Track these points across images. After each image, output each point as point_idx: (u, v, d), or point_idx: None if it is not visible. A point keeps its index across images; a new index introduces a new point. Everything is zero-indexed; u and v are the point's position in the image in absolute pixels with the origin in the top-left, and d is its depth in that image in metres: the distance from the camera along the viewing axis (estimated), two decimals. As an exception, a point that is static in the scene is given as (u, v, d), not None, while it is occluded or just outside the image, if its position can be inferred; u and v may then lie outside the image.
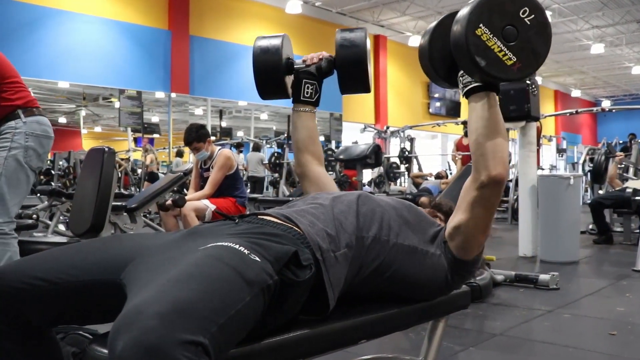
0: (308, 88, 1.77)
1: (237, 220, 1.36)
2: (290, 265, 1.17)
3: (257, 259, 1.12)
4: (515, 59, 1.34)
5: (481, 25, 1.32)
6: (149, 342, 0.87)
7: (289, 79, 1.81)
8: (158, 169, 11.36)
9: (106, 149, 2.97)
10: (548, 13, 9.26)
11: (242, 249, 1.13)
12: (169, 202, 4.38)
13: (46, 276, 1.20)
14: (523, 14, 1.34)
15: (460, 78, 1.46)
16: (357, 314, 1.36)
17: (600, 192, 8.45)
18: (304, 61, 1.78)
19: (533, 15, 1.34)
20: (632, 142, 9.59)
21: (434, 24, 1.55)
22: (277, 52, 1.74)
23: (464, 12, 1.35)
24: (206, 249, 1.13)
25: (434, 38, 1.52)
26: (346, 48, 1.71)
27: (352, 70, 1.72)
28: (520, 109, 5.38)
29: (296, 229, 1.32)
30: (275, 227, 1.30)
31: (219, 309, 0.98)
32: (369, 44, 1.77)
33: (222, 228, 1.32)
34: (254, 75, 1.75)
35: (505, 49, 1.33)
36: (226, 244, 1.14)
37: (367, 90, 1.80)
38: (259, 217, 1.38)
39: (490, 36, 1.32)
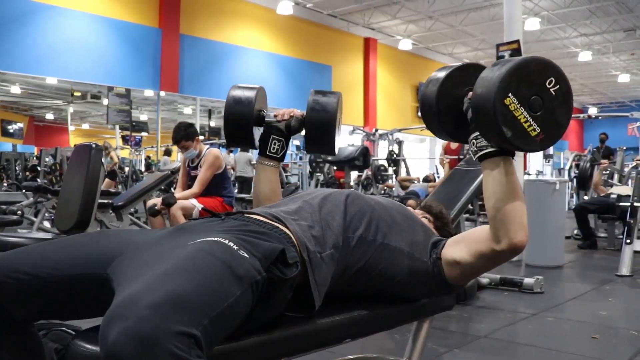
0: (275, 144, 1.79)
1: (223, 218, 1.36)
2: (277, 263, 1.18)
3: (246, 255, 1.13)
4: (539, 130, 1.31)
5: (510, 94, 1.27)
6: (142, 331, 0.87)
7: (259, 130, 1.83)
8: (119, 168, 11.29)
9: (93, 145, 2.96)
10: (537, 20, 9.27)
11: (231, 244, 1.14)
12: (160, 205, 4.36)
13: (31, 270, 1.19)
14: (549, 84, 1.31)
15: (474, 140, 1.41)
16: (342, 314, 1.37)
17: (586, 197, 8.52)
18: (275, 116, 1.80)
19: (558, 86, 1.32)
20: (603, 143, 9.71)
21: (442, 74, 1.47)
22: (250, 104, 1.75)
23: (491, 76, 1.30)
24: (196, 243, 1.13)
25: (443, 92, 1.45)
26: (316, 112, 1.73)
27: (319, 134, 1.74)
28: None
29: (283, 228, 1.32)
30: (261, 226, 1.31)
31: (211, 302, 0.99)
32: (340, 109, 1.79)
33: (209, 225, 1.32)
34: (224, 123, 1.77)
35: (531, 120, 1.30)
36: (216, 239, 1.15)
37: (332, 154, 1.81)
38: (245, 215, 1.39)
39: (518, 106, 1.28)
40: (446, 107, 1.45)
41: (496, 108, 1.27)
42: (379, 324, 1.48)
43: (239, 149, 12.54)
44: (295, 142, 16.22)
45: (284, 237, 1.29)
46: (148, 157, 10.63)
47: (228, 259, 1.09)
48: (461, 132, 1.45)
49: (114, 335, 0.88)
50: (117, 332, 0.88)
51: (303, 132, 1.78)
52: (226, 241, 1.14)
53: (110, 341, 0.88)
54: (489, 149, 1.38)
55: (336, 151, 1.82)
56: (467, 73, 1.45)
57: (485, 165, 1.40)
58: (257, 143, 1.83)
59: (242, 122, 1.76)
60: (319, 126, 1.73)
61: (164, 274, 1.01)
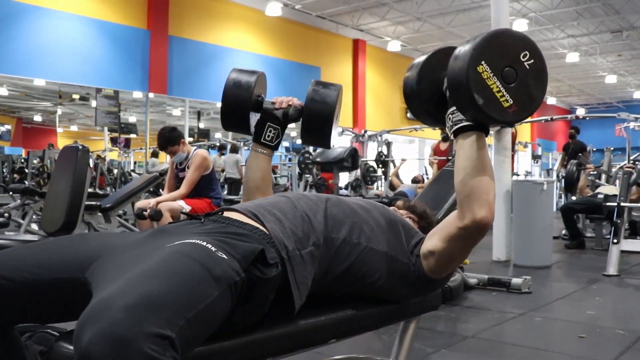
0: (270, 132, 1.78)
1: (203, 220, 1.36)
2: (257, 264, 1.18)
3: (224, 256, 1.13)
4: (511, 102, 1.31)
5: (483, 62, 1.29)
6: (116, 334, 0.87)
7: (255, 116, 1.82)
8: (108, 170, 11.31)
9: (80, 147, 2.94)
10: (524, 21, 9.33)
11: (209, 246, 1.14)
12: (147, 214, 4.35)
13: (10, 275, 1.18)
14: (524, 57, 1.32)
15: (450, 115, 1.41)
16: (327, 314, 1.37)
17: (573, 198, 8.58)
18: (273, 103, 1.79)
19: (532, 60, 1.33)
20: (574, 139, 9.84)
21: (422, 58, 1.50)
22: (249, 89, 1.74)
23: (465, 48, 1.32)
24: (173, 245, 1.13)
25: (423, 72, 1.47)
26: (316, 103, 1.72)
27: (317, 125, 1.74)
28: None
29: (262, 228, 1.32)
30: (240, 227, 1.31)
31: (187, 304, 0.98)
32: (340, 103, 1.78)
33: (188, 227, 1.32)
34: (221, 105, 1.76)
35: (504, 90, 1.30)
36: (193, 240, 1.15)
37: (327, 147, 1.81)
38: (224, 215, 1.38)
39: (491, 75, 1.29)
40: (427, 88, 1.47)
41: (469, 75, 1.28)
42: (365, 324, 1.48)
43: (228, 151, 12.54)
44: (285, 143, 16.21)
45: (264, 238, 1.29)
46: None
47: (205, 260, 1.09)
48: (441, 113, 1.47)
49: (88, 337, 0.87)
50: (91, 334, 0.87)
51: (299, 123, 1.77)
52: (204, 243, 1.14)
53: (84, 343, 0.87)
54: (463, 122, 1.38)
55: (331, 145, 1.81)
56: (446, 56, 1.44)
57: (458, 139, 1.40)
58: (252, 129, 1.82)
59: (239, 106, 1.75)
60: (317, 118, 1.73)
61: (139, 276, 1.00)
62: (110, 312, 0.90)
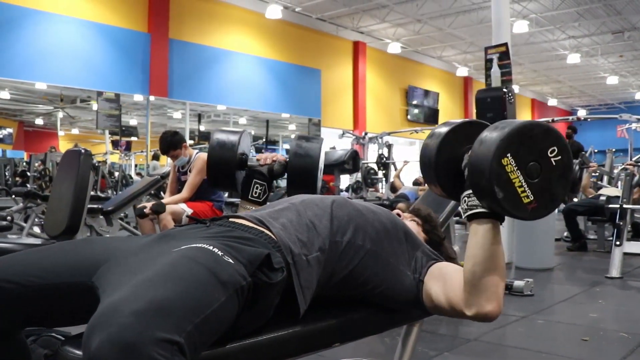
0: (257, 188, 1.81)
1: (208, 224, 1.36)
2: (262, 268, 1.18)
3: (231, 260, 1.13)
4: (532, 198, 1.26)
5: (509, 155, 1.23)
6: (124, 339, 0.87)
7: (241, 173, 1.85)
8: (109, 172, 11.36)
9: (82, 151, 2.94)
10: (525, 23, 9.26)
11: (215, 250, 1.14)
12: (148, 209, 4.34)
13: (16, 279, 1.19)
14: (551, 153, 1.27)
15: (466, 198, 1.36)
16: (331, 318, 1.37)
17: (575, 200, 8.56)
18: (258, 160, 1.81)
19: (560, 157, 1.28)
20: (571, 138, 9.35)
21: (445, 129, 1.42)
22: (233, 147, 1.78)
23: (493, 135, 1.25)
24: (180, 250, 1.13)
25: (444, 144, 1.40)
26: (300, 157, 1.76)
27: (302, 178, 1.77)
28: (497, 116, 5.43)
29: (268, 232, 1.32)
30: (246, 231, 1.31)
31: (194, 309, 0.99)
32: (322, 155, 1.81)
33: (194, 231, 1.32)
34: (207, 167, 1.80)
35: (526, 186, 1.25)
36: (200, 245, 1.15)
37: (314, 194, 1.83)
38: (230, 220, 1.39)
39: (515, 169, 1.24)
40: (445, 162, 1.41)
41: (492, 166, 1.22)
42: (369, 328, 1.48)
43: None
44: (285, 145, 16.21)
45: (269, 242, 1.29)
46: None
47: (212, 265, 1.09)
48: (457, 189, 1.41)
49: (97, 342, 0.88)
50: (100, 339, 0.88)
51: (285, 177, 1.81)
52: (210, 247, 1.14)
53: (93, 348, 0.88)
54: (478, 209, 1.34)
55: (318, 193, 1.83)
56: (471, 130, 1.39)
57: (472, 225, 1.36)
58: (239, 187, 1.84)
59: (224, 166, 1.80)
60: (301, 171, 1.77)
61: (147, 281, 1.01)
62: (119, 318, 0.90)
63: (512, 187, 1.24)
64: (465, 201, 1.37)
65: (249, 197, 1.80)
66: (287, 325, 1.27)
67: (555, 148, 1.27)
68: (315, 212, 1.42)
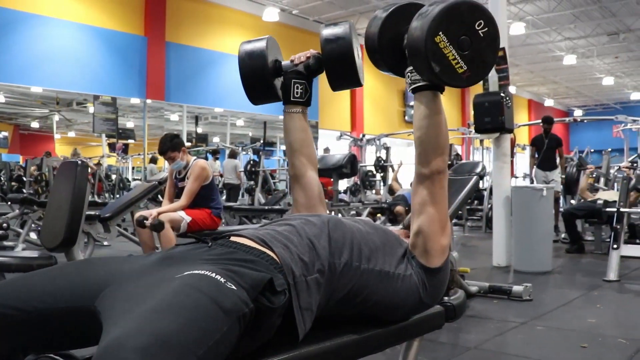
0: (297, 88, 1.76)
1: (210, 244, 1.35)
2: (265, 292, 1.17)
3: (233, 287, 1.12)
4: (465, 68, 1.40)
5: (440, 33, 1.36)
6: None
7: (279, 81, 1.80)
8: (106, 176, 11.33)
9: (79, 162, 2.93)
10: (522, 24, 9.34)
11: (218, 277, 1.13)
12: (148, 224, 4.33)
13: (20, 305, 1.18)
14: (478, 26, 1.40)
15: (409, 74, 1.51)
16: (330, 338, 1.35)
17: (572, 202, 8.57)
18: (292, 61, 1.78)
19: (487, 28, 1.41)
20: (548, 133, 8.40)
21: (383, 13, 1.57)
22: (262, 54, 1.74)
23: (425, 15, 1.39)
24: (183, 277, 1.12)
25: (385, 28, 1.56)
26: (331, 42, 1.69)
27: (339, 65, 1.71)
28: (494, 121, 5.45)
29: (270, 253, 1.31)
30: (248, 253, 1.30)
31: (198, 340, 0.98)
32: (356, 38, 1.73)
33: (196, 252, 1.31)
34: (242, 80, 1.75)
35: (459, 58, 1.39)
36: (202, 272, 1.14)
37: (359, 84, 1.80)
38: (232, 240, 1.37)
39: (447, 44, 1.37)
40: (387, 42, 1.56)
41: (427, 44, 1.36)
42: (368, 347, 1.46)
43: (226, 156, 12.52)
44: (283, 147, 16.14)
45: (271, 263, 1.28)
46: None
47: (215, 293, 1.08)
48: (401, 67, 1.56)
49: None
50: None
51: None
52: (213, 274, 1.13)
53: None
54: (420, 82, 1.48)
55: (362, 82, 1.79)
56: (409, 11, 1.52)
57: (416, 98, 1.51)
58: (280, 93, 1.80)
59: (259, 75, 1.75)
60: (337, 57, 1.69)
61: (150, 312, 1.00)
62: (124, 353, 0.89)
63: (447, 61, 1.38)
64: (409, 76, 1.52)
65: (291, 99, 1.76)
66: (287, 347, 1.25)
67: (481, 21, 1.40)
68: (313, 232, 1.41)
